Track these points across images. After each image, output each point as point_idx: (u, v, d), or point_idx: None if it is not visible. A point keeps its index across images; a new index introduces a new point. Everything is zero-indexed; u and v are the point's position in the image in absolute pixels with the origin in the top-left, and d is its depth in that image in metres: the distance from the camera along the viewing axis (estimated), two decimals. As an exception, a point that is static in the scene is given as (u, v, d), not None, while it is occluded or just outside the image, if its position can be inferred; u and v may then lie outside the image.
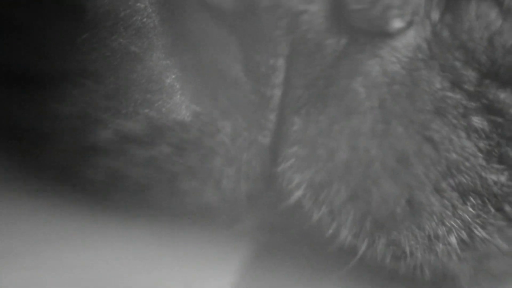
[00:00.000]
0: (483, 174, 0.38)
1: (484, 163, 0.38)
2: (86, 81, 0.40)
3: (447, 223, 0.39)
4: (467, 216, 0.38)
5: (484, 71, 0.37)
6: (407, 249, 0.39)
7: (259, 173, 0.41)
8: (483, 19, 0.37)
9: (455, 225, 0.39)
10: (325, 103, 0.38)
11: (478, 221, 0.39)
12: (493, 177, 0.38)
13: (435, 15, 0.37)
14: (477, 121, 0.37)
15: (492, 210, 0.38)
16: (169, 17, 0.39)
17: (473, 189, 0.38)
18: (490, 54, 0.37)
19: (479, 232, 0.39)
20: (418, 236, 0.39)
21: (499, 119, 0.37)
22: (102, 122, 0.40)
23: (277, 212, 0.41)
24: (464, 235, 0.39)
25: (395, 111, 0.38)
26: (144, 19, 0.38)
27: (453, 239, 0.39)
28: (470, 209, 0.38)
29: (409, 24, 0.37)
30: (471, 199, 0.38)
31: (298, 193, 0.40)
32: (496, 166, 0.38)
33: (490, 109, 0.37)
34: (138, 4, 0.38)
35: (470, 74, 0.37)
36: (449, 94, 0.37)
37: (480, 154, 0.38)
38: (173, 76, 0.39)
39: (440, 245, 0.39)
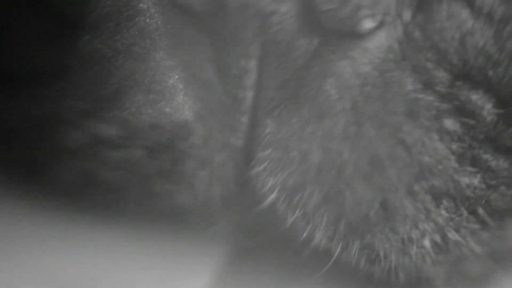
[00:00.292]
0: (456, 177, 0.37)
1: (457, 165, 0.37)
2: (59, 82, 0.40)
3: (421, 226, 0.38)
4: (440, 219, 0.38)
5: (456, 72, 0.37)
6: (381, 252, 0.39)
7: (233, 176, 0.40)
8: (454, 20, 0.36)
9: (428, 228, 0.38)
10: (297, 105, 0.38)
11: (451, 224, 0.38)
12: (466, 180, 0.38)
13: (407, 15, 0.37)
14: (450, 123, 0.37)
15: (465, 213, 0.38)
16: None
17: (446, 192, 0.38)
18: (462, 55, 0.36)
19: (453, 235, 0.38)
20: (392, 239, 0.39)
21: (472, 121, 0.37)
22: (75, 123, 0.40)
23: (252, 215, 0.41)
24: (437, 238, 0.38)
25: (367, 113, 0.37)
26: (147, 20, 0.38)
27: (427, 242, 0.39)
28: (444, 212, 0.38)
29: (380, 25, 0.36)
30: (444, 202, 0.38)
31: (272, 196, 0.39)
32: (469, 168, 0.37)
33: (462, 111, 0.37)
34: (141, 5, 0.38)
35: (442, 75, 0.37)
36: (421, 95, 0.37)
37: (452, 157, 0.37)
38: (176, 77, 0.39)
39: (414, 248, 0.39)
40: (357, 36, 0.37)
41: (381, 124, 0.37)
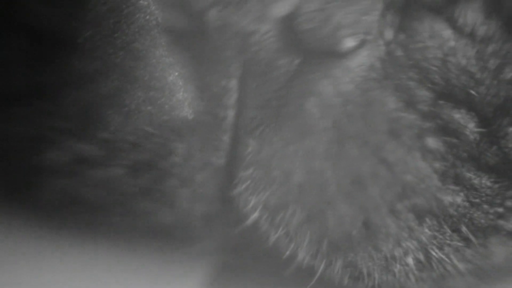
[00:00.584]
0: (438, 195, 0.37)
1: (439, 184, 0.37)
2: (38, 101, 0.39)
3: (404, 245, 0.38)
4: (423, 237, 0.38)
5: (439, 91, 0.37)
6: (365, 270, 0.39)
7: (215, 195, 0.40)
8: (436, 39, 0.36)
9: (411, 246, 0.38)
10: (279, 124, 0.38)
11: (434, 242, 0.38)
12: (449, 198, 0.37)
13: (389, 34, 0.37)
14: (432, 142, 0.37)
15: (449, 231, 0.38)
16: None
17: (429, 210, 0.38)
18: (444, 73, 0.36)
19: (436, 253, 0.38)
20: (375, 257, 0.39)
21: (454, 140, 0.37)
22: (56, 143, 0.40)
23: (235, 233, 0.41)
24: (421, 256, 0.38)
25: (349, 132, 0.37)
26: (147, 17, 0.38)
27: (410, 260, 0.38)
28: (427, 230, 0.38)
29: (362, 43, 0.36)
30: (427, 220, 0.38)
31: (255, 215, 0.39)
32: (452, 187, 0.37)
33: (444, 130, 0.37)
34: (141, 2, 0.38)
35: (424, 94, 0.37)
36: (403, 114, 0.37)
37: (435, 175, 0.37)
38: (176, 73, 0.39)
39: (397, 266, 0.39)
40: (338, 55, 0.36)
41: (363, 143, 0.37)
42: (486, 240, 0.38)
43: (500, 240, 0.38)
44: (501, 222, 0.38)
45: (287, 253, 0.39)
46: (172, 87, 0.38)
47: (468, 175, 0.37)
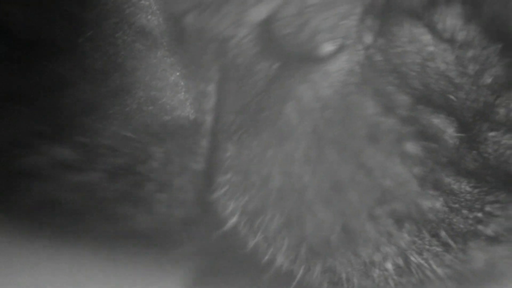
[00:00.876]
0: (417, 200, 0.37)
1: (418, 189, 0.37)
2: (16, 105, 0.39)
3: (383, 250, 0.38)
4: (402, 243, 0.38)
5: (418, 95, 0.36)
6: (344, 275, 0.39)
7: (194, 199, 0.40)
8: (415, 44, 0.36)
9: (390, 251, 0.38)
10: (258, 129, 0.38)
11: (413, 247, 0.38)
12: (428, 203, 0.37)
13: (368, 39, 0.36)
14: (411, 146, 0.37)
15: (428, 236, 0.38)
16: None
17: (408, 215, 0.37)
18: (423, 78, 0.36)
19: (415, 258, 0.38)
20: (354, 262, 0.38)
21: (433, 145, 0.37)
22: (34, 147, 0.39)
23: (214, 238, 0.41)
24: (400, 261, 0.38)
25: (328, 136, 0.37)
26: (149, 17, 0.38)
27: (389, 265, 0.38)
28: (406, 235, 0.38)
29: (340, 48, 0.36)
30: (406, 225, 0.38)
31: (233, 220, 0.39)
32: (431, 192, 0.37)
33: (424, 135, 0.37)
34: (142, 2, 0.38)
35: (403, 99, 0.36)
36: (383, 119, 0.37)
37: (414, 180, 0.37)
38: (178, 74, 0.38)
39: (377, 271, 0.38)
40: (317, 59, 0.36)
41: (342, 148, 0.37)
42: (466, 245, 0.38)
43: (479, 245, 0.38)
44: (480, 227, 0.38)
45: (266, 257, 0.39)
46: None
47: (448, 180, 0.37)
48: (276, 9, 0.36)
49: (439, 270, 0.39)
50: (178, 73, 0.38)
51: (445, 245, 0.38)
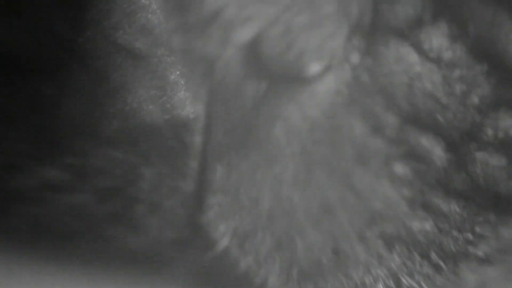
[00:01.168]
0: (407, 222, 0.37)
1: (408, 210, 0.37)
2: (5, 128, 0.39)
3: (374, 272, 0.38)
4: (393, 265, 0.37)
5: (405, 116, 0.36)
6: (335, 297, 0.38)
7: (184, 221, 0.40)
8: (402, 63, 0.36)
9: (381, 273, 0.38)
10: (246, 150, 0.38)
11: (404, 269, 0.38)
12: (418, 224, 0.37)
13: (355, 59, 0.36)
14: (400, 167, 0.36)
15: (418, 257, 0.37)
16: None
17: (398, 237, 0.37)
18: (410, 98, 0.36)
19: (406, 280, 0.38)
20: (345, 284, 0.38)
21: (422, 165, 0.36)
22: (23, 169, 0.39)
23: (205, 259, 0.40)
24: (391, 283, 0.38)
25: (317, 158, 0.37)
26: (149, 15, 0.38)
27: (380, 287, 0.38)
28: (396, 257, 0.37)
29: (327, 68, 0.36)
30: (397, 247, 0.37)
31: (224, 241, 0.39)
32: (420, 213, 0.37)
33: (412, 155, 0.36)
34: (143, 1, 0.38)
35: (391, 119, 0.36)
36: (371, 139, 0.36)
37: (403, 202, 0.37)
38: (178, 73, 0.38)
39: (368, 293, 0.38)
40: (304, 80, 0.36)
41: (330, 169, 0.37)
42: (456, 266, 0.38)
43: (470, 266, 0.38)
44: (470, 248, 0.37)
45: (258, 280, 0.39)
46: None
47: (436, 201, 0.37)
48: (262, 30, 0.36)
49: (431, 292, 0.38)
50: (178, 72, 0.38)
51: (436, 267, 0.38)
